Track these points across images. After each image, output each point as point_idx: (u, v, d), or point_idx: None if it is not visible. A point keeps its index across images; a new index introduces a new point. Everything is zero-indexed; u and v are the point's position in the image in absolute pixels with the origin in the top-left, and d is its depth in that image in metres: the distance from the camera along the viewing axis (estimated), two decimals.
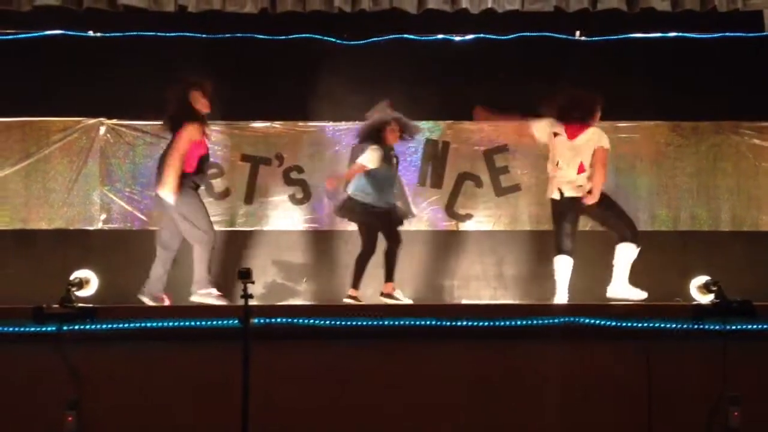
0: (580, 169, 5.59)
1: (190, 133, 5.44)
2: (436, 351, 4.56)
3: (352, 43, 6.80)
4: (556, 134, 5.70)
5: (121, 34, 6.71)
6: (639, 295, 5.49)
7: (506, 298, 6.45)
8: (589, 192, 5.57)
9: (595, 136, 5.62)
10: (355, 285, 5.81)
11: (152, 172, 6.65)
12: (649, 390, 4.45)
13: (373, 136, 5.95)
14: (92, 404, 4.38)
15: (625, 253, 5.58)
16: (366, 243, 5.84)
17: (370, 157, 5.89)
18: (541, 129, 5.81)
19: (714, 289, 4.92)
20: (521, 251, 6.63)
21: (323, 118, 6.77)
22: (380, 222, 5.84)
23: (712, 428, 4.38)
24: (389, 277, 5.79)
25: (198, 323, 4.49)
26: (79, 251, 6.36)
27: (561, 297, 5.56)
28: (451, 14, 6.26)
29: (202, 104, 5.55)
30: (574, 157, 5.60)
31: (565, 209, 5.63)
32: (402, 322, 4.55)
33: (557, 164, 5.66)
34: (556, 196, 5.66)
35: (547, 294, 5.92)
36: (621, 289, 5.56)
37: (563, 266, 5.58)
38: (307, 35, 6.77)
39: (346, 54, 6.76)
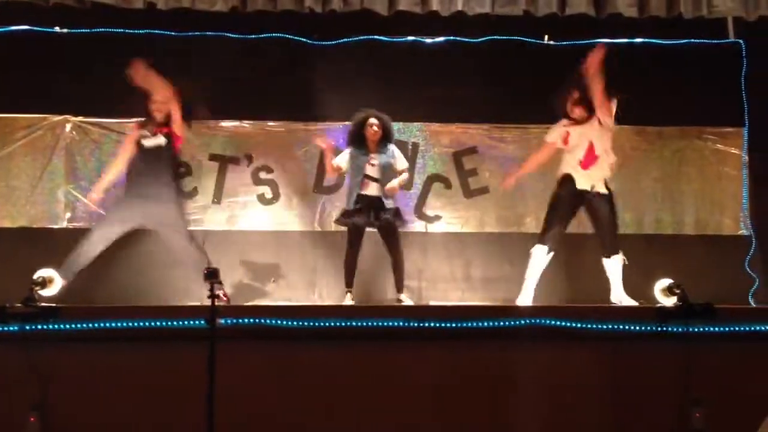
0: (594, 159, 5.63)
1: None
2: (405, 352, 4.57)
3: (323, 43, 6.80)
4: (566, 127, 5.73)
5: (88, 30, 6.63)
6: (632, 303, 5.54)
7: (474, 299, 6.48)
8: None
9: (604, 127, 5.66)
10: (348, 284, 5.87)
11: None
12: (613, 391, 4.50)
13: (356, 133, 5.96)
14: (56, 405, 4.32)
15: (618, 266, 5.61)
16: (349, 244, 5.88)
17: (341, 157, 5.96)
18: (556, 135, 5.83)
19: (677, 291, 4.99)
20: (489, 253, 6.67)
21: (293, 118, 6.75)
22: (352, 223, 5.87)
23: (676, 429, 4.44)
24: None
25: (164, 323, 4.45)
26: (43, 250, 6.25)
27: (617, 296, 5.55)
28: (421, 16, 6.28)
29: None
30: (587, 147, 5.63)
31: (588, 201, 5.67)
32: (370, 323, 4.56)
33: (606, 151, 5.64)
34: (603, 189, 5.64)
35: (513, 295, 5.96)
36: (622, 296, 5.56)
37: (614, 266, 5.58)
38: (278, 35, 6.75)
39: (316, 54, 6.75)
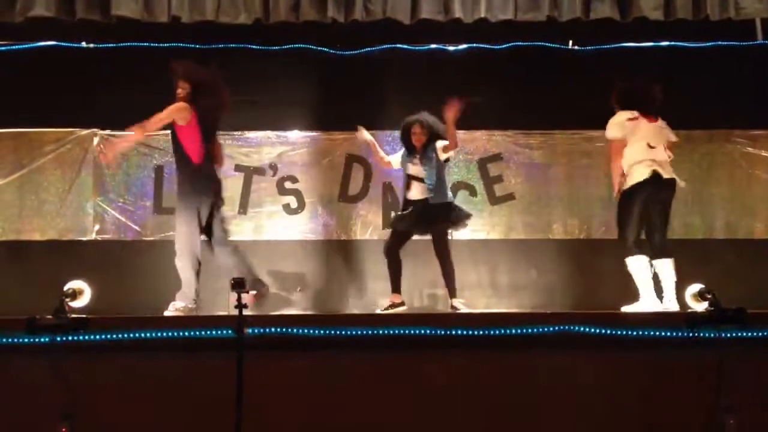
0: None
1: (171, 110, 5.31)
2: (432, 360, 4.54)
3: (346, 53, 6.82)
4: (630, 119, 5.40)
5: (114, 44, 6.71)
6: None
7: (500, 306, 6.45)
8: None
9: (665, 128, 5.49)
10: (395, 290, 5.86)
11: (145, 182, 6.69)
12: (643, 398, 4.44)
13: (403, 139, 5.99)
14: (86, 416, 4.34)
15: (670, 268, 5.42)
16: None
17: (395, 157, 6.04)
18: (616, 124, 5.47)
19: (708, 297, 4.91)
20: (515, 260, 6.64)
21: (317, 128, 6.78)
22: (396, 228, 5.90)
23: None
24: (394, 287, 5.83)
25: (192, 333, 4.46)
26: (73, 262, 6.33)
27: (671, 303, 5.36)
28: (444, 24, 6.28)
29: (181, 88, 5.40)
30: (661, 140, 5.41)
31: (662, 192, 5.36)
32: (397, 332, 4.54)
33: (648, 145, 5.35)
34: (648, 175, 5.30)
35: (540, 302, 5.93)
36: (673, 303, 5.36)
37: (667, 269, 5.38)
38: (301, 45, 6.79)
39: (339, 64, 6.77)
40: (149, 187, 6.70)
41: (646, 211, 5.40)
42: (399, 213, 5.92)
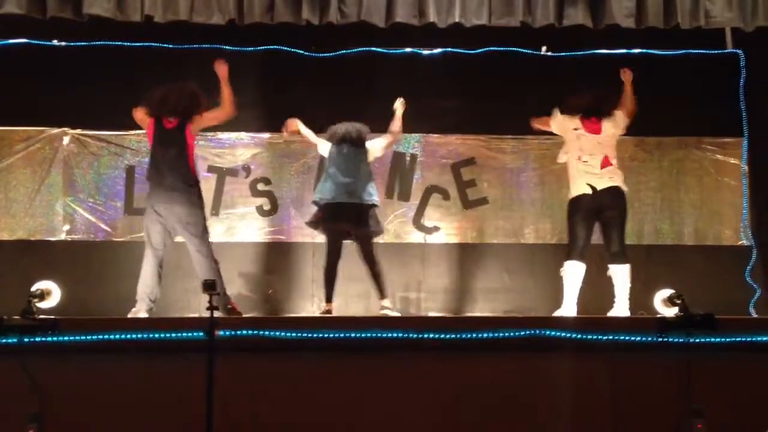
0: (605, 163, 5.58)
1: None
2: (404, 363, 4.55)
3: (320, 55, 6.81)
4: (574, 128, 5.69)
5: (86, 43, 6.65)
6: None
7: (473, 310, 6.47)
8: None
9: (610, 125, 5.67)
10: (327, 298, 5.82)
11: (116, 182, 6.62)
12: (614, 402, 4.48)
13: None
14: (55, 417, 4.30)
15: (625, 275, 5.54)
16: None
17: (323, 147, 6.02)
18: (559, 123, 5.79)
19: (677, 302, 4.98)
20: (488, 264, 6.66)
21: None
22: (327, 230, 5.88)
23: None
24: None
25: (162, 335, 4.43)
26: (42, 262, 6.26)
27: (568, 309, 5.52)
28: (418, 28, 6.29)
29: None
30: (599, 152, 5.60)
31: (601, 204, 5.58)
32: (369, 335, 4.55)
33: (580, 158, 5.62)
34: (587, 190, 5.58)
35: (512, 306, 5.96)
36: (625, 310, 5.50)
37: (619, 275, 5.52)
38: (275, 47, 6.76)
39: (313, 66, 6.76)
40: (120, 188, 6.63)
41: (599, 221, 5.63)
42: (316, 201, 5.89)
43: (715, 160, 6.82)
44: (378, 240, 6.57)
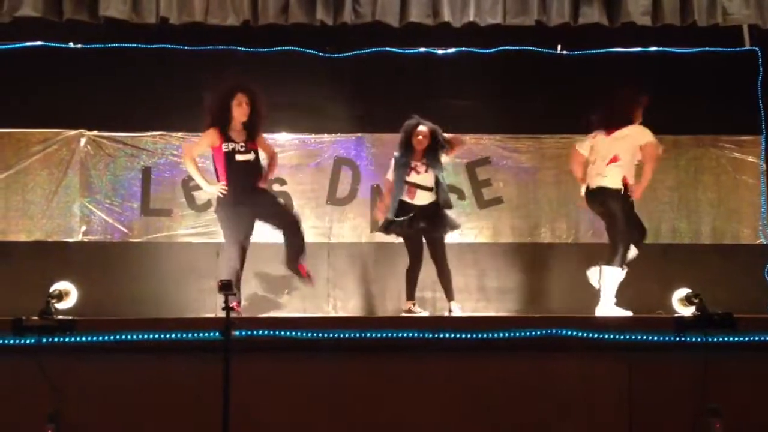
0: (613, 160, 5.59)
1: (206, 137, 5.48)
2: (419, 363, 4.54)
3: (334, 55, 6.81)
4: (595, 137, 5.75)
5: (101, 45, 6.68)
6: (624, 314, 5.48)
7: (488, 310, 6.45)
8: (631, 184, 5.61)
9: (635, 132, 5.62)
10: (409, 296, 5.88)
11: (132, 184, 6.66)
12: (631, 402, 4.46)
13: (402, 144, 5.96)
14: (72, 417, 4.33)
15: (613, 276, 5.53)
16: (409, 255, 5.89)
17: (390, 170, 6.01)
18: (585, 146, 5.81)
19: (695, 301, 4.95)
20: (503, 263, 6.65)
21: (305, 130, 6.77)
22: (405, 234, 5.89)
23: None
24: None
25: (178, 336, 4.45)
26: (59, 263, 6.30)
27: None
28: (433, 28, 6.28)
29: (239, 111, 5.46)
30: (609, 151, 5.61)
31: (593, 202, 5.64)
32: (385, 335, 4.54)
33: (593, 161, 5.68)
34: (584, 191, 5.70)
35: (527, 306, 5.93)
36: (608, 309, 5.53)
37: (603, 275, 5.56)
38: (289, 47, 6.77)
39: (328, 66, 6.77)
40: (136, 189, 6.67)
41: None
42: (395, 218, 5.82)
43: (732, 158, 6.76)
44: (393, 239, 6.59)
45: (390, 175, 6.02)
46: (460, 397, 4.51)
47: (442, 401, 4.50)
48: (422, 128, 5.90)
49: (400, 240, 6.22)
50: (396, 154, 6.00)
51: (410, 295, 5.87)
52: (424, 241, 5.86)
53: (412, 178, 5.87)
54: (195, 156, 5.60)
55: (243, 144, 5.46)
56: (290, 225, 5.56)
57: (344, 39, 6.67)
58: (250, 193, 5.46)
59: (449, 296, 5.84)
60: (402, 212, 5.82)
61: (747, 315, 4.83)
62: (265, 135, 6.57)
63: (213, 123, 5.46)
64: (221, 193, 5.45)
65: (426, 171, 5.87)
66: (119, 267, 6.44)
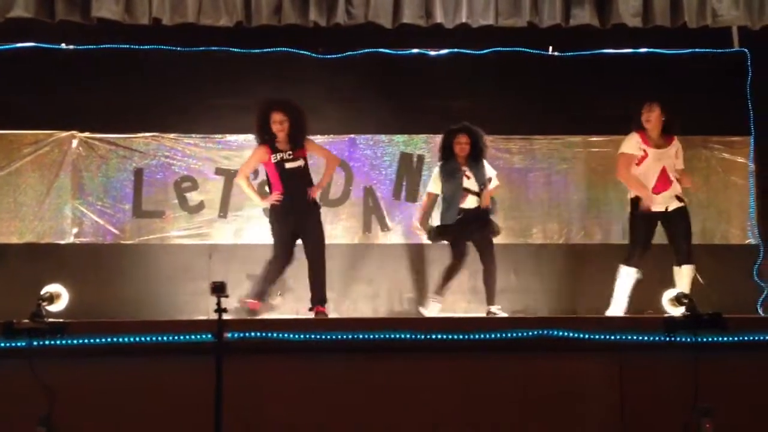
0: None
1: (254, 155, 5.82)
2: (413, 364, 4.55)
3: (328, 56, 6.82)
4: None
5: (94, 46, 6.67)
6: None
7: (481, 311, 6.46)
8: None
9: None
10: (438, 290, 6.00)
11: (124, 185, 6.65)
12: (622, 402, 4.48)
13: (444, 152, 6.08)
14: (64, 420, 4.31)
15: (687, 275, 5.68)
16: (452, 255, 6.00)
17: (431, 182, 6.17)
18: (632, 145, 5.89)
19: (685, 301, 4.97)
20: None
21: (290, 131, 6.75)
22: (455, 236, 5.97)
23: None
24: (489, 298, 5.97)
25: (171, 338, 4.45)
26: (51, 265, 6.29)
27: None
28: (426, 29, 6.29)
29: (278, 128, 5.72)
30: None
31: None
32: (378, 336, 4.55)
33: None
34: (677, 205, 5.81)
35: (519, 306, 5.94)
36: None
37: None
38: (283, 49, 6.78)
39: (321, 67, 6.77)
40: (129, 190, 6.66)
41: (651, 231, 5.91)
42: (452, 222, 5.97)
43: (722, 158, 6.80)
44: (385, 240, 6.62)
45: (432, 188, 6.16)
46: (453, 398, 4.52)
47: (436, 402, 4.51)
48: (463, 136, 6.02)
49: (392, 241, 6.25)
50: (439, 162, 6.11)
51: (441, 291, 5.99)
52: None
53: (466, 184, 6.01)
54: (247, 174, 5.93)
55: (290, 152, 5.73)
56: (316, 261, 5.72)
57: (337, 40, 6.67)
58: (301, 200, 5.72)
59: (491, 300, 5.92)
60: (455, 217, 5.95)
61: (736, 315, 4.87)
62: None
63: (259, 140, 5.81)
64: (277, 201, 5.71)
65: (472, 176, 6.01)
66: (111, 269, 6.43)
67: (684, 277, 5.65)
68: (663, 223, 5.81)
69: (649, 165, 5.77)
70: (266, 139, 5.75)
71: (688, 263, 5.68)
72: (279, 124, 5.71)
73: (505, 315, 5.85)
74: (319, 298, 5.64)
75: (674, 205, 5.77)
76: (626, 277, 5.73)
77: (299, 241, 5.75)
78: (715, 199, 6.77)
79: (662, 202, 5.77)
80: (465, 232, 5.98)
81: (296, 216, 5.70)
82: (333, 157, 6.06)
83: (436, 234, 6.09)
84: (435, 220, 6.19)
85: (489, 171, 6.16)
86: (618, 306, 5.70)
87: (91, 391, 4.38)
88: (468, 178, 6.02)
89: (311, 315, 5.59)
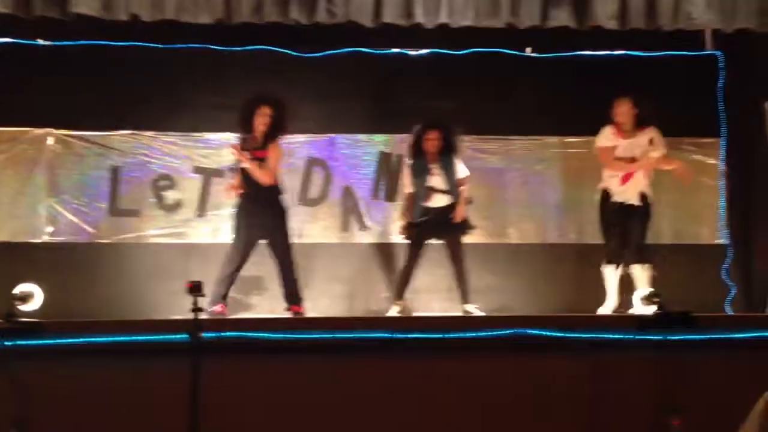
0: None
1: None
2: (389, 364, 4.57)
3: (308, 55, 6.82)
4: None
5: (71, 42, 6.62)
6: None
7: (457, 310, 6.50)
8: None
9: None
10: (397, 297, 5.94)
11: (100, 184, 6.61)
12: (593, 400, 4.53)
13: (413, 150, 6.04)
14: (39, 422, 4.29)
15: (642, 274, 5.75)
16: (407, 256, 5.96)
17: (405, 182, 6.10)
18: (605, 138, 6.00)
19: (656, 300, 5.04)
20: (472, 264, 6.67)
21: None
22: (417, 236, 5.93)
23: None
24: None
25: (147, 338, 4.44)
26: (25, 264, 6.23)
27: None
28: (406, 28, 6.30)
29: (260, 120, 5.73)
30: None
31: None
32: (355, 335, 4.57)
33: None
34: (636, 202, 5.87)
35: (495, 306, 5.98)
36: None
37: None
38: (263, 47, 6.76)
39: (301, 66, 6.77)
40: (105, 189, 6.62)
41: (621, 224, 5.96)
42: (417, 221, 5.92)
43: (693, 160, 6.87)
44: (363, 240, 6.63)
45: (407, 188, 6.10)
46: (428, 397, 4.55)
47: (412, 401, 4.54)
48: (433, 132, 5.95)
49: (370, 240, 6.25)
50: (409, 161, 6.04)
51: (401, 295, 5.92)
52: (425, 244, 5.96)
53: (429, 182, 5.94)
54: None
55: (258, 150, 5.72)
56: (285, 261, 5.73)
57: (318, 39, 6.66)
58: (265, 201, 5.73)
59: (465, 299, 5.90)
60: (421, 216, 5.90)
61: (706, 314, 4.94)
62: (239, 135, 6.55)
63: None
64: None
65: (441, 173, 5.94)
66: (87, 268, 6.39)
67: (639, 277, 5.71)
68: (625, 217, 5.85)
69: (619, 155, 5.86)
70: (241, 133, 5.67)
71: (639, 263, 5.73)
72: (264, 117, 5.71)
73: (482, 314, 5.88)
74: (293, 297, 5.64)
75: (637, 202, 5.82)
76: (607, 275, 5.80)
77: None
78: (686, 199, 6.83)
79: (624, 193, 5.83)
80: (430, 232, 5.91)
81: (261, 217, 5.66)
82: (269, 174, 5.84)
83: (402, 230, 6.04)
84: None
85: (463, 171, 6.12)
86: (608, 303, 5.77)
87: (66, 391, 4.36)
88: (435, 176, 5.95)
89: (287, 314, 5.59)
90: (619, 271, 5.81)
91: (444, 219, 5.93)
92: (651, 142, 5.93)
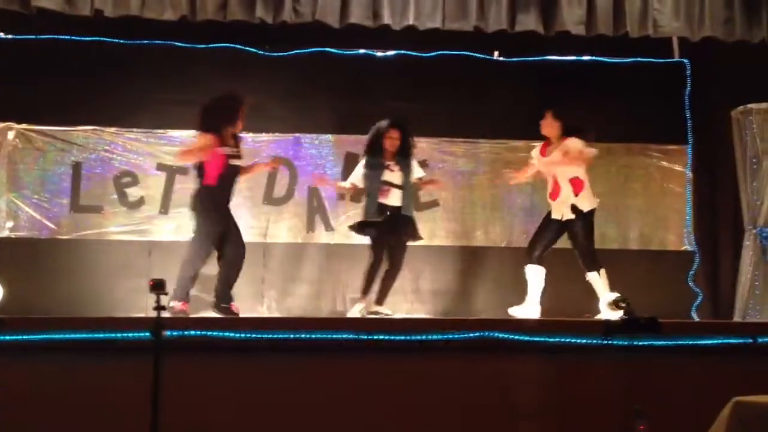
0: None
1: (201, 140, 5.55)
2: (354, 364, 4.55)
3: (274, 54, 6.77)
4: None
5: (33, 36, 6.51)
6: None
7: (422, 312, 6.50)
8: None
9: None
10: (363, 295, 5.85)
11: (62, 179, 6.50)
12: (560, 403, 4.55)
13: (372, 147, 5.97)
14: None
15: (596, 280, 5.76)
16: (371, 254, 5.87)
17: (353, 174, 6.01)
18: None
19: (623, 305, 5.08)
20: (438, 266, 6.70)
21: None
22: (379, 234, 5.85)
23: None
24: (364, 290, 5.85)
25: (108, 335, 4.37)
26: None
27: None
28: (373, 29, 6.29)
29: (243, 120, 5.68)
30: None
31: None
32: (319, 336, 4.54)
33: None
34: (570, 216, 5.81)
35: (460, 308, 5.98)
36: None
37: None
38: (228, 45, 6.71)
39: (267, 65, 6.72)
40: (66, 184, 6.52)
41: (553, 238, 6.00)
42: (371, 218, 5.84)
43: (660, 166, 6.96)
44: (329, 240, 6.59)
45: (356, 180, 6.00)
46: (394, 399, 4.53)
47: (376, 402, 4.52)
48: (395, 129, 5.92)
49: (336, 241, 6.19)
50: (365, 157, 5.98)
51: (368, 291, 5.86)
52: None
53: (386, 176, 5.88)
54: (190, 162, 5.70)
55: (237, 149, 5.65)
56: (236, 262, 5.62)
57: (284, 38, 6.62)
58: (230, 199, 5.64)
59: (381, 300, 5.85)
60: (378, 214, 5.82)
61: (672, 319, 4.99)
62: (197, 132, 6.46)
63: (206, 128, 5.57)
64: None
65: (398, 171, 5.90)
66: (47, 264, 6.28)
67: (596, 283, 5.74)
68: (566, 231, 5.89)
69: (542, 170, 5.95)
70: (217, 128, 5.55)
71: (590, 270, 5.75)
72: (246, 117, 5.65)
73: (396, 316, 5.83)
74: (229, 296, 5.56)
75: (569, 215, 5.81)
76: (528, 274, 5.84)
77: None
78: (653, 205, 6.92)
79: (558, 210, 5.86)
80: (388, 232, 5.86)
81: (227, 216, 5.59)
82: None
83: (359, 229, 5.96)
84: (359, 216, 6.08)
85: (418, 172, 6.07)
86: (531, 305, 5.77)
87: (26, 388, 4.28)
88: (393, 171, 5.90)
89: (220, 314, 5.48)
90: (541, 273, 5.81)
91: (398, 220, 5.85)
92: (566, 155, 5.82)
